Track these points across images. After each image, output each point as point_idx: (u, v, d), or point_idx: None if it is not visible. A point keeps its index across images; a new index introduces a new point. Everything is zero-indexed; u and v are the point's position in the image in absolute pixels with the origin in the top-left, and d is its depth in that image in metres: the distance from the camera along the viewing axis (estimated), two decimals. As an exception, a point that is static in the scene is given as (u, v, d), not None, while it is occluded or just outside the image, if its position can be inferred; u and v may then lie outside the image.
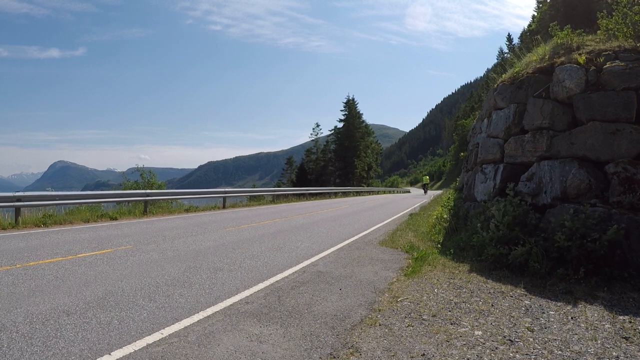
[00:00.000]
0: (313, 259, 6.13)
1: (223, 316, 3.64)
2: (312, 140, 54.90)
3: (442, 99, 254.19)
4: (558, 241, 4.77)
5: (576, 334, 3.29)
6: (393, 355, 2.91)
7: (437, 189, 57.52)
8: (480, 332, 3.32)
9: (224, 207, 16.36)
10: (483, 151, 7.59)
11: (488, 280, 4.85)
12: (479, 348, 3.02)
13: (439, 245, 7.09)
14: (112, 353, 2.85)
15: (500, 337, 3.21)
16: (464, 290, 4.51)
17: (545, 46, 7.53)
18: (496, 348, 3.02)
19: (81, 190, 15.12)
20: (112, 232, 8.70)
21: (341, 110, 54.98)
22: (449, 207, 9.72)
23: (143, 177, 16.94)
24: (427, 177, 47.72)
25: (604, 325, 3.48)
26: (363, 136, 54.61)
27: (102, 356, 2.80)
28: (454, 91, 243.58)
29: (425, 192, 38.41)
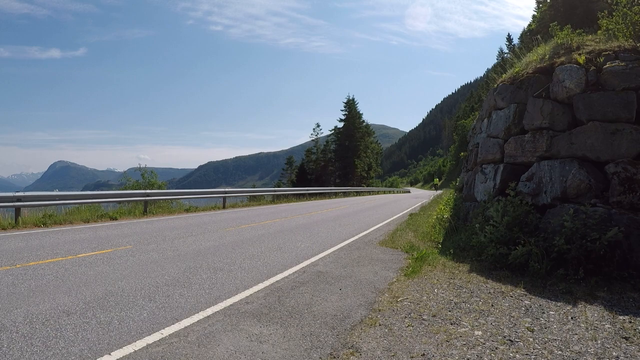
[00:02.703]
0: (313, 259, 6.13)
1: (223, 316, 3.64)
2: (312, 140, 54.89)
3: (442, 99, 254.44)
4: (558, 245, 4.77)
5: (576, 334, 3.29)
6: (393, 355, 2.91)
7: (435, 189, 57.76)
8: (480, 332, 3.32)
9: (224, 207, 16.36)
10: (483, 151, 7.59)
11: (488, 280, 4.85)
12: (479, 348, 3.02)
13: (439, 245, 7.09)
14: (112, 353, 2.85)
15: (500, 337, 3.21)
16: (464, 290, 4.51)
17: (545, 46, 7.53)
18: (496, 348, 3.02)
19: (81, 190, 15.11)
20: (112, 232, 8.70)
21: (341, 110, 55.03)
22: (449, 207, 9.72)
23: (144, 177, 16.93)
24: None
25: (604, 325, 3.48)
26: (363, 136, 54.62)
27: (102, 356, 2.80)
28: (454, 91, 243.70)
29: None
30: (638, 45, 6.19)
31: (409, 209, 16.25)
